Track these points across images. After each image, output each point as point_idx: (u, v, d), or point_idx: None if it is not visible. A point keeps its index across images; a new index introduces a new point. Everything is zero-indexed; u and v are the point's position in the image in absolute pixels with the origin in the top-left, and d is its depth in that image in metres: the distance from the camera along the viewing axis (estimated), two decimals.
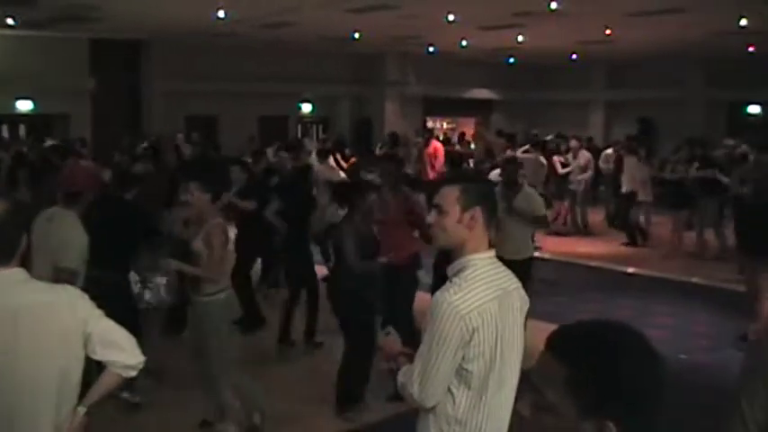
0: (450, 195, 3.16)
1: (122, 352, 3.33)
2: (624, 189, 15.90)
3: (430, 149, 16.60)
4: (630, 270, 13.49)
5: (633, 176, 15.66)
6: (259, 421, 6.36)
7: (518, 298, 3.28)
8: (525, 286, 7.16)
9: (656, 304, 11.13)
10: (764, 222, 8.66)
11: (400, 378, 3.22)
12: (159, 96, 20.57)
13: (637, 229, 15.86)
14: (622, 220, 16.20)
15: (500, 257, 3.26)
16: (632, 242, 15.64)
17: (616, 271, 13.44)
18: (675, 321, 10.33)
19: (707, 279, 12.56)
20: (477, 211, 3.15)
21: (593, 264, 13.86)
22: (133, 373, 3.42)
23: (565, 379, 1.60)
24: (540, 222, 8.89)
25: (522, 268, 8.26)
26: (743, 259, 9.45)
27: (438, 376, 3.04)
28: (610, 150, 18.47)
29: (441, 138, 21.71)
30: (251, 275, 9.85)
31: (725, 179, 13.62)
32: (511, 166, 9.15)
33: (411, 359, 3.22)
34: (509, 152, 14.62)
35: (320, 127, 25.25)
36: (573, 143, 17.57)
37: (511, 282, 3.26)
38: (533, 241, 9.28)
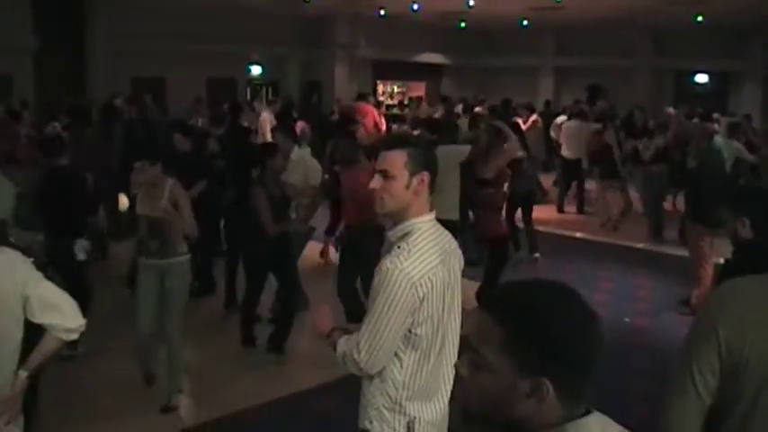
0: (399, 160, 3.10)
1: (63, 315, 3.29)
2: (570, 155, 15.86)
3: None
4: (578, 235, 13.63)
5: (580, 142, 15.54)
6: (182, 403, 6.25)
7: (457, 258, 3.28)
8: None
9: (602, 269, 11.26)
10: (707, 191, 8.80)
11: (340, 348, 3.16)
12: (105, 57, 20.15)
13: (581, 195, 16.00)
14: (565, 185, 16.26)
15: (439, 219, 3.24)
16: (578, 209, 15.83)
17: (563, 236, 13.56)
18: (620, 286, 10.46)
19: (651, 245, 12.76)
20: (425, 176, 3.12)
21: (540, 229, 13.95)
22: (74, 336, 3.39)
23: (501, 338, 1.60)
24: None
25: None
26: (688, 226, 9.60)
27: (386, 343, 3.01)
28: (561, 118, 17.89)
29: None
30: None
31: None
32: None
33: (344, 333, 3.20)
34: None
35: (269, 89, 25.01)
36: (524, 110, 17.64)
37: (451, 242, 3.25)
38: None
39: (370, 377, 3.12)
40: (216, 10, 20.67)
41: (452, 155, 8.34)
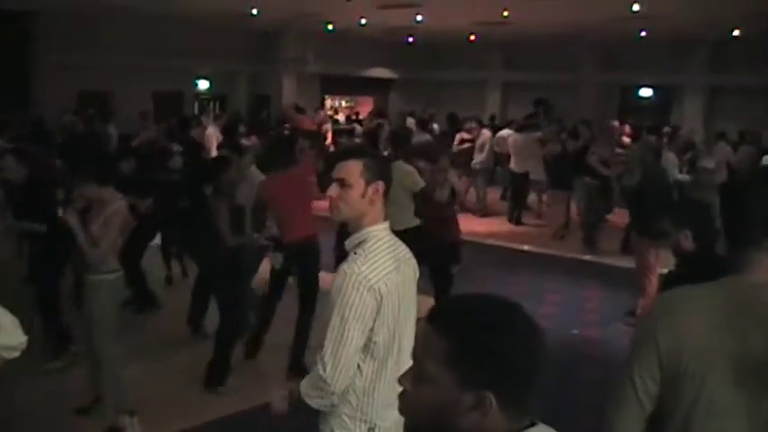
0: (355, 169, 3.17)
1: (4, 333, 3.26)
2: (518, 168, 16.05)
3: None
4: (525, 248, 13.75)
5: (528, 155, 15.83)
6: (127, 422, 6.15)
7: (412, 267, 3.34)
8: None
9: (550, 281, 11.38)
10: (650, 204, 8.95)
11: (303, 387, 3.16)
12: (50, 70, 19.86)
13: (521, 207, 16.21)
14: (515, 198, 16.46)
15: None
16: (517, 220, 16.04)
17: (511, 249, 13.67)
18: (567, 297, 10.58)
19: (598, 256, 12.92)
20: (380, 185, 3.20)
21: (488, 242, 14.07)
22: (15, 354, 3.36)
23: (445, 352, 1.61)
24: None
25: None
26: (633, 238, 9.75)
27: (351, 351, 3.04)
28: (506, 131, 18.08)
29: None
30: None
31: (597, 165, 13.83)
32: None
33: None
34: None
35: (217, 104, 24.87)
36: (473, 123, 17.79)
37: (405, 251, 3.32)
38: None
39: (323, 378, 3.08)
40: (163, 23, 20.51)
41: (401, 171, 8.40)
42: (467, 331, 1.63)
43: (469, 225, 15.04)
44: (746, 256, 2.39)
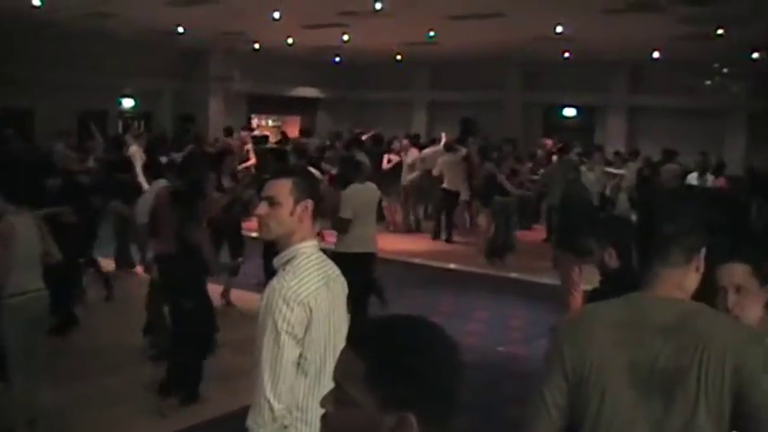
0: (284, 188, 3.22)
1: None
2: (450, 187, 16.24)
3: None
4: (451, 266, 13.84)
5: (455, 174, 16.08)
6: None
7: (341, 284, 3.37)
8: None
9: (476, 299, 11.46)
10: (573, 221, 9.10)
11: (250, 424, 3.08)
12: None
13: (443, 225, 16.37)
14: (437, 216, 16.65)
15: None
16: (438, 237, 16.24)
17: (437, 267, 13.74)
18: (493, 315, 10.66)
19: (523, 273, 13.06)
20: (309, 203, 3.24)
21: (415, 261, 14.13)
22: None
23: (364, 374, 1.62)
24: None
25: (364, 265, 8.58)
26: (557, 255, 9.89)
27: (288, 366, 3.04)
28: (430, 150, 18.29)
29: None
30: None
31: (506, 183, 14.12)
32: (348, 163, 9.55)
33: None
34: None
35: (142, 122, 24.53)
36: (404, 142, 17.93)
37: (334, 269, 3.35)
38: None
39: (266, 398, 3.04)
40: (87, 41, 20.20)
41: (372, 193, 8.85)
42: (386, 353, 1.63)
43: (396, 244, 15.11)
44: (653, 272, 2.50)
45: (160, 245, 7.55)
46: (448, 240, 16.12)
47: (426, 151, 17.79)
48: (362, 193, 8.77)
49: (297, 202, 3.22)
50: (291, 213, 3.21)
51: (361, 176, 8.94)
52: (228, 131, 19.86)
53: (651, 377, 2.34)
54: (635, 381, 2.36)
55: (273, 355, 3.03)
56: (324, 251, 3.34)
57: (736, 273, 3.02)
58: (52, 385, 6.31)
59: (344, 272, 3.45)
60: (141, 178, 11.26)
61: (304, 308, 3.06)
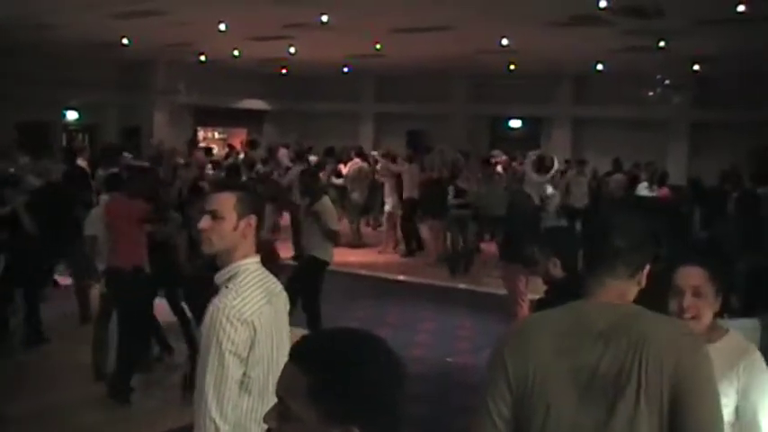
0: (228, 202, 3.17)
1: None
2: (405, 195, 16.33)
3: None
4: (400, 277, 13.85)
5: (414, 184, 16.19)
6: None
7: (283, 300, 3.35)
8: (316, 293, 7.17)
9: (424, 310, 11.47)
10: (518, 232, 9.18)
11: None
12: None
13: (411, 237, 16.39)
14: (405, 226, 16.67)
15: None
16: (409, 249, 16.16)
17: (385, 279, 13.75)
18: (441, 326, 10.68)
19: (471, 284, 13.12)
20: (253, 219, 3.20)
21: (363, 272, 14.11)
22: None
23: (307, 388, 1.61)
24: (331, 234, 9.00)
25: (315, 266, 8.58)
26: (504, 266, 9.95)
27: (232, 385, 2.98)
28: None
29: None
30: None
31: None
32: (307, 177, 9.41)
33: None
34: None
35: (87, 135, 24.19)
36: (352, 155, 17.95)
37: (276, 285, 3.32)
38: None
39: (211, 419, 2.98)
40: (31, 51, 19.86)
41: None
42: (328, 367, 1.63)
43: (344, 256, 15.06)
44: (599, 282, 2.52)
45: (114, 258, 7.43)
46: (411, 252, 16.16)
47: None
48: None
49: (240, 217, 3.17)
50: (235, 228, 3.16)
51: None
52: (192, 144, 19.64)
53: (593, 383, 2.36)
54: (578, 387, 2.37)
55: (218, 374, 2.97)
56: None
57: (695, 275, 3.08)
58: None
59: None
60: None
61: (248, 326, 3.02)
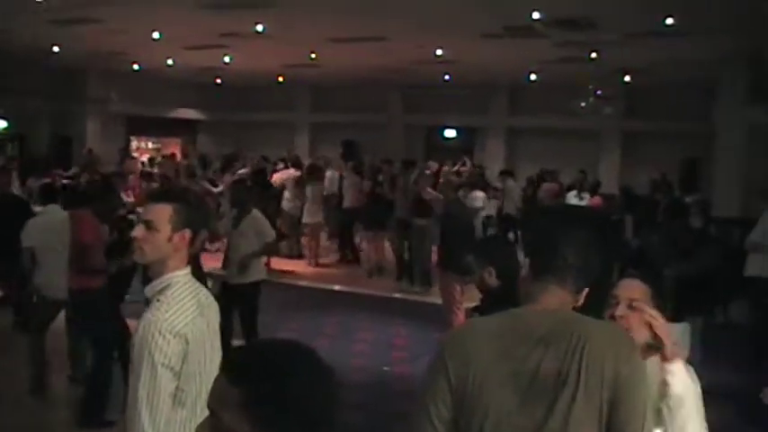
0: (164, 213, 3.14)
1: None
2: (345, 204, 16.36)
3: None
4: (337, 288, 13.83)
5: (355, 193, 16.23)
6: None
7: (215, 311, 3.32)
8: (251, 312, 7.24)
9: (361, 320, 11.45)
10: (453, 241, 9.25)
11: None
12: None
13: (350, 246, 16.37)
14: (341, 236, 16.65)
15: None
16: (345, 258, 16.15)
17: (323, 289, 13.70)
18: (378, 335, 10.67)
19: (406, 294, 13.17)
20: (187, 233, 3.16)
21: (300, 283, 14.07)
22: None
23: (238, 401, 1.61)
24: (268, 248, 8.94)
25: (251, 291, 8.37)
26: (439, 274, 10.00)
27: (165, 398, 2.95)
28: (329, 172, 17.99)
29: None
30: None
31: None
32: (239, 188, 9.19)
33: None
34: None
35: (16, 144, 23.63)
36: (280, 165, 17.86)
37: (207, 296, 3.29)
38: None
39: None
40: None
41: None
42: (259, 379, 1.63)
43: (281, 267, 15.02)
44: (545, 288, 2.58)
45: (84, 279, 7.25)
46: (350, 260, 16.14)
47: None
48: None
49: (175, 229, 3.14)
50: (168, 240, 3.13)
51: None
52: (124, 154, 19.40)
53: (533, 385, 2.40)
54: (518, 390, 2.41)
55: (150, 388, 2.92)
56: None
57: (636, 289, 3.09)
58: None
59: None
60: None
61: (180, 339, 2.98)
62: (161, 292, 3.10)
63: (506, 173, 18.69)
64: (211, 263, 10.64)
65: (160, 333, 2.93)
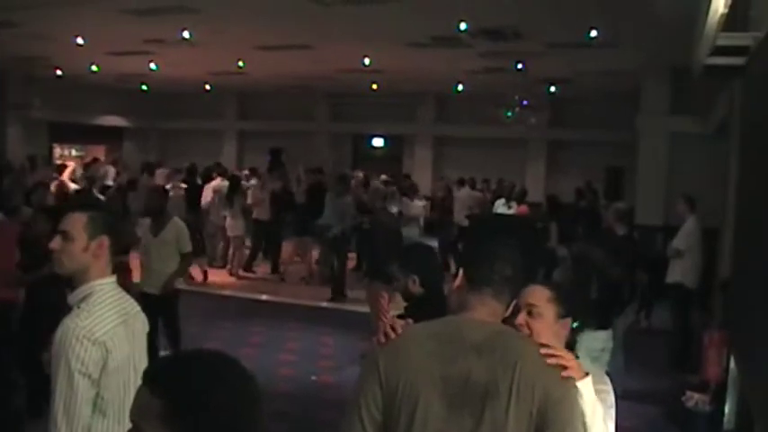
0: (78, 222, 3.16)
1: None
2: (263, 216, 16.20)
3: None
4: (263, 297, 13.76)
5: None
6: None
7: (141, 321, 3.33)
8: (172, 321, 7.15)
9: (287, 330, 11.42)
10: (380, 249, 9.29)
11: None
12: None
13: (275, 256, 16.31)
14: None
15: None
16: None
17: (248, 299, 13.64)
18: (305, 345, 10.66)
19: (332, 302, 13.18)
20: (104, 240, 3.19)
21: (225, 293, 13.97)
22: None
23: (160, 412, 1.60)
24: (186, 264, 8.79)
25: (167, 302, 8.20)
26: (366, 282, 10.02)
27: (82, 405, 2.94)
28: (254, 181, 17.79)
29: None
30: None
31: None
32: (155, 196, 8.94)
33: None
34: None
35: None
36: (215, 175, 17.69)
37: (133, 306, 3.31)
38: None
39: None
40: None
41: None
42: (180, 389, 1.61)
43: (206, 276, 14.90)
44: (474, 298, 2.63)
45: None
46: (274, 271, 16.05)
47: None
48: None
49: (92, 237, 3.16)
50: (85, 249, 3.15)
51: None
52: (32, 161, 18.98)
53: (463, 391, 2.43)
54: (447, 395, 2.44)
55: (67, 395, 2.93)
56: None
57: (534, 294, 3.05)
58: None
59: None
60: None
61: (100, 347, 2.99)
62: (83, 300, 3.11)
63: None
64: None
65: (78, 340, 2.96)
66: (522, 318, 2.98)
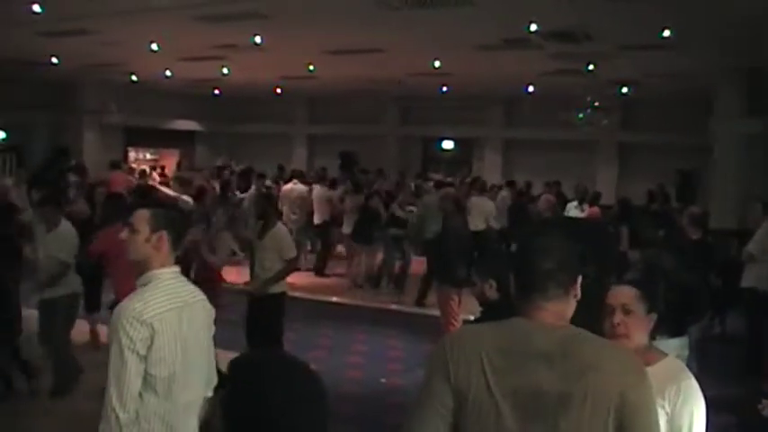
0: (142, 217, 3.64)
1: None
2: (317, 220, 16.41)
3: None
4: (333, 299, 13.82)
5: (323, 207, 16.30)
6: None
7: (202, 309, 3.70)
8: (279, 321, 7.17)
9: (356, 332, 11.45)
10: (451, 253, 9.28)
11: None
12: None
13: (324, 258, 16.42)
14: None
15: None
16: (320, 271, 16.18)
17: (317, 301, 13.69)
18: (373, 347, 10.67)
19: (401, 305, 13.17)
20: (164, 234, 3.63)
21: (295, 294, 14.01)
22: None
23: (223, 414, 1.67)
24: (291, 267, 8.70)
25: (274, 302, 8.28)
26: (435, 287, 10.00)
27: (132, 381, 3.30)
28: (289, 185, 17.43)
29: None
30: None
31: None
32: (263, 201, 9.13)
33: None
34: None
35: (13, 156, 23.54)
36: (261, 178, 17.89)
37: (194, 295, 3.68)
38: None
39: (112, 408, 3.26)
40: None
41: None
42: (245, 389, 1.68)
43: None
44: (535, 305, 2.58)
45: None
46: (320, 273, 16.15)
47: (286, 187, 17.39)
48: None
49: (153, 231, 3.61)
50: (147, 240, 3.60)
51: None
52: (116, 166, 19.25)
53: (535, 403, 2.40)
54: (519, 406, 2.42)
55: (117, 368, 3.29)
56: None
57: (624, 294, 3.27)
58: None
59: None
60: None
61: (147, 327, 3.34)
62: (143, 285, 3.55)
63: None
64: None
65: (127, 320, 3.33)
66: (619, 317, 3.22)
